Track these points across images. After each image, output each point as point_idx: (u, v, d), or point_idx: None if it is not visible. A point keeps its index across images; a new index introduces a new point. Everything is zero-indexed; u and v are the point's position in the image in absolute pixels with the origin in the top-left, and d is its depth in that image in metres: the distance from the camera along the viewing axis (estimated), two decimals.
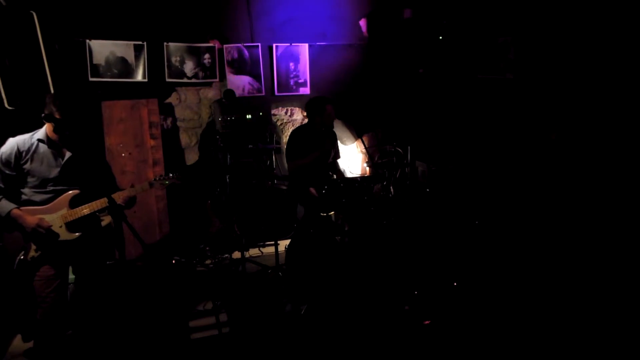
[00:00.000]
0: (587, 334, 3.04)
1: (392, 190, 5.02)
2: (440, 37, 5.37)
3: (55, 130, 2.65)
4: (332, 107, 4.26)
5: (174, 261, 4.64)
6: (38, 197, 2.70)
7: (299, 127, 4.55)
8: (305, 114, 5.05)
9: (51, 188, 2.71)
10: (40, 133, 2.72)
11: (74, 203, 2.73)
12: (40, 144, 2.70)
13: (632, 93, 3.63)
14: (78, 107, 2.63)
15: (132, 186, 2.85)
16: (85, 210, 2.73)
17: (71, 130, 2.65)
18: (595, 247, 3.70)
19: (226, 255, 4.87)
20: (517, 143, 4.65)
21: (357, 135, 5.74)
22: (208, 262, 4.76)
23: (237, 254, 4.79)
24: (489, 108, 4.99)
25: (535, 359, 2.91)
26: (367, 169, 5.68)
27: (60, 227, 2.70)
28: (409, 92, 5.72)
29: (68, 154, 2.74)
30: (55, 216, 2.69)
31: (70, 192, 2.73)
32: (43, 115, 2.59)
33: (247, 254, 4.82)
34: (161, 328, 3.46)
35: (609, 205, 3.73)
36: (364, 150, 5.78)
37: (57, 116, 2.57)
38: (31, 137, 2.71)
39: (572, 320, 3.20)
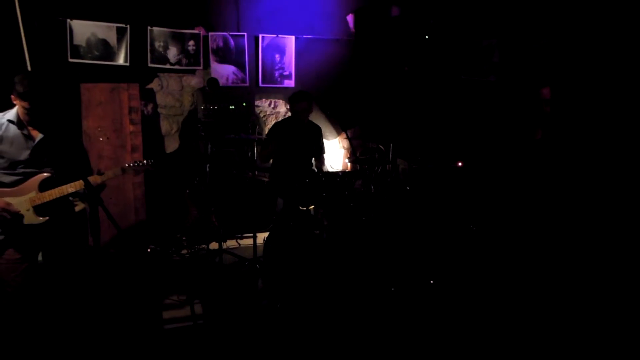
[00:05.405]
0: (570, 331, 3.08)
1: (372, 187, 5.02)
2: (427, 37, 5.38)
3: (25, 111, 2.57)
4: (307, 103, 4.19)
5: (149, 250, 4.58)
6: (7, 179, 2.62)
7: (281, 120, 4.52)
8: (288, 106, 5.03)
9: (21, 170, 2.64)
10: (11, 114, 2.63)
11: (43, 186, 2.65)
12: (11, 125, 2.61)
13: (614, 92, 3.67)
14: (51, 88, 2.55)
15: (99, 172, 2.78)
16: (54, 193, 2.65)
17: (42, 112, 2.57)
18: (576, 243, 3.73)
19: (203, 245, 4.82)
20: (499, 144, 4.69)
21: (341, 130, 5.72)
22: (184, 252, 4.70)
23: (214, 245, 4.74)
24: (471, 109, 5.03)
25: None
26: (349, 164, 5.67)
27: (28, 210, 2.63)
28: (394, 90, 5.73)
29: (40, 136, 2.66)
30: (23, 199, 2.62)
31: (41, 175, 2.66)
32: (12, 95, 2.51)
33: (224, 245, 4.78)
34: (133, 318, 3.41)
35: (593, 206, 3.76)
36: (346, 145, 5.77)
37: (26, 97, 2.49)
38: (1, 118, 2.63)
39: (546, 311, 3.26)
